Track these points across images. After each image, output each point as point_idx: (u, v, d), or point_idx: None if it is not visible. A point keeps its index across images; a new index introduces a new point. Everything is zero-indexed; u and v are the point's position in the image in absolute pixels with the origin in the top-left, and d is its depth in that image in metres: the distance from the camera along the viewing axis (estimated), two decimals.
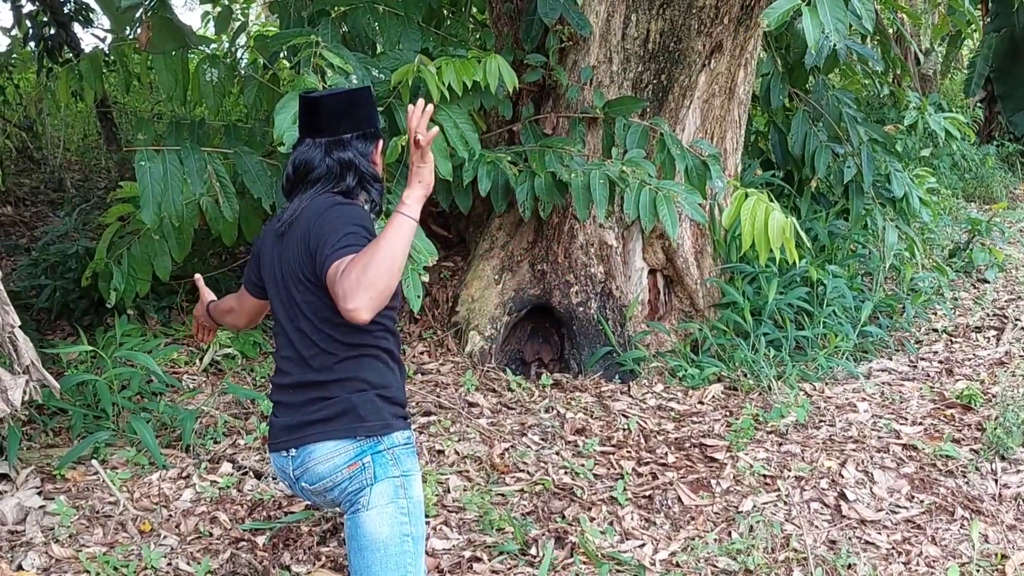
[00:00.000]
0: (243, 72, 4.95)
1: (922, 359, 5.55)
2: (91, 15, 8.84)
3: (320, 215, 2.41)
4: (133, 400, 4.36)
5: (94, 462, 3.94)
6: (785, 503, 3.86)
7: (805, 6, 3.90)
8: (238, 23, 6.99)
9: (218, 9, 5.92)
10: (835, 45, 3.92)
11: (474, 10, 6.38)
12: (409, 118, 2.32)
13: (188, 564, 3.37)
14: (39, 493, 3.73)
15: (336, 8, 4.87)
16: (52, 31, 8.39)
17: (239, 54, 7.82)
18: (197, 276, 3.14)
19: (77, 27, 8.87)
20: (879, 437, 4.42)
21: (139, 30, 4.26)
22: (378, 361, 2.48)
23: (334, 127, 2.55)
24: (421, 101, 2.32)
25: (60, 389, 3.71)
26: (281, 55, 5.22)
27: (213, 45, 7.69)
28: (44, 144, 9.53)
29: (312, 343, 2.45)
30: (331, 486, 2.46)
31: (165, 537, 3.53)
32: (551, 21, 4.93)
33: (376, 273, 2.15)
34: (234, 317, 2.97)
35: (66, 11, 8.55)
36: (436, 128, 2.31)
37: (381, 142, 2.67)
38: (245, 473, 4.02)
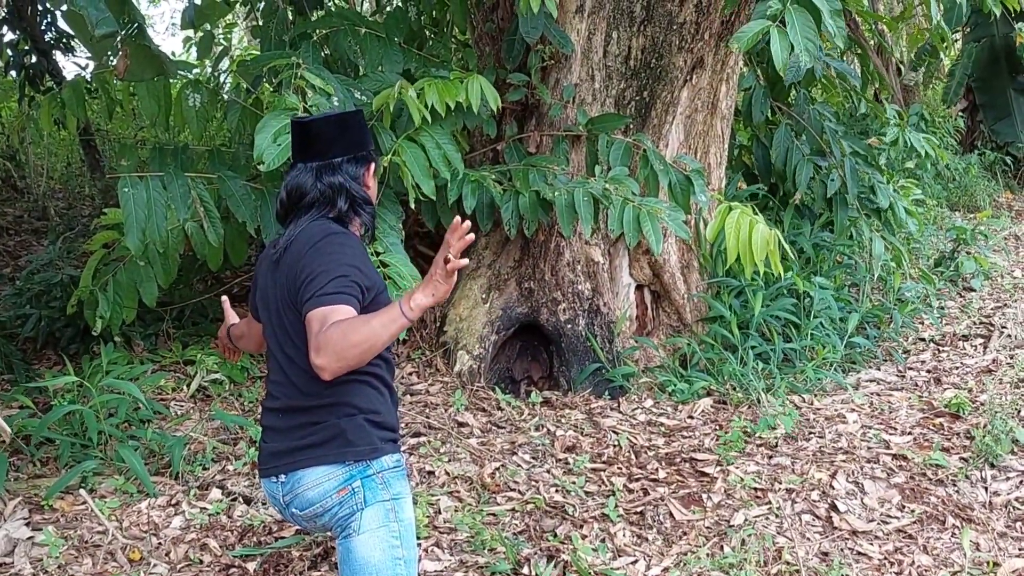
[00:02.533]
0: (226, 97, 4.95)
1: (910, 369, 5.57)
2: (72, 43, 8.83)
3: (314, 245, 2.40)
4: (120, 428, 4.34)
5: (82, 491, 3.91)
6: (776, 516, 3.86)
7: (774, 27, 3.91)
8: (220, 48, 7.00)
9: (200, 34, 5.91)
10: (811, 63, 3.95)
11: (456, 30, 6.40)
12: (450, 234, 2.22)
13: None
14: (27, 524, 3.70)
15: (318, 31, 4.88)
16: (33, 59, 8.37)
17: (222, 79, 7.82)
18: (224, 298, 3.15)
19: (58, 55, 8.87)
20: (869, 447, 4.43)
21: (117, 58, 4.26)
22: (368, 387, 2.48)
23: (325, 151, 2.54)
24: (464, 225, 2.21)
25: (11, 434, 3.73)
26: (264, 79, 5.22)
27: (196, 70, 7.70)
28: (27, 173, 9.49)
29: (300, 369, 2.45)
30: (321, 511, 2.46)
31: (155, 565, 3.51)
32: (533, 40, 4.95)
33: (353, 349, 2.18)
34: (246, 342, 3.01)
35: (47, 39, 8.54)
36: (466, 260, 2.25)
37: (373, 165, 2.67)
38: (235, 499, 3.99)
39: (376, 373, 2.50)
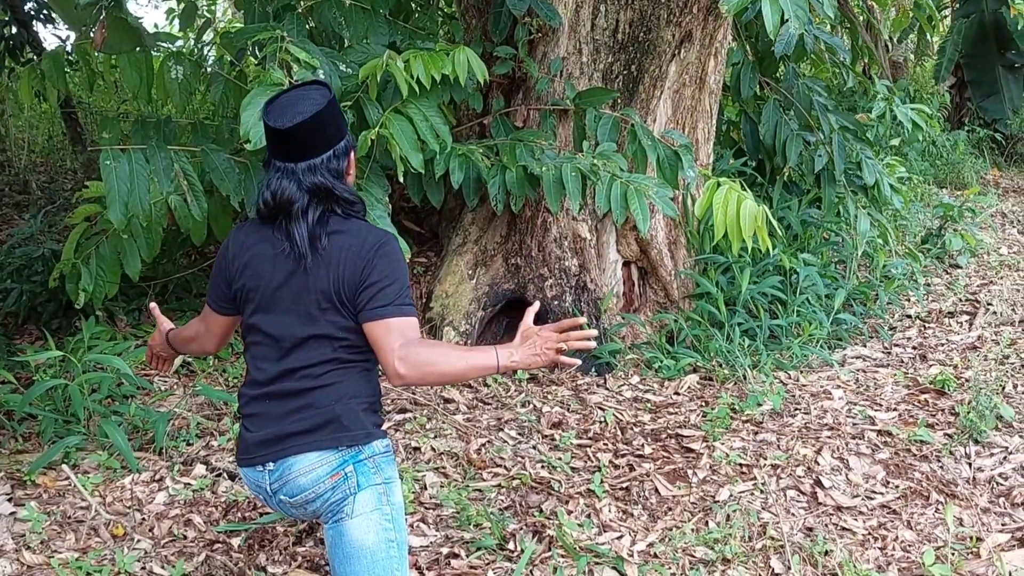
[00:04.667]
0: (209, 69, 4.89)
1: (896, 345, 5.58)
2: (53, 14, 8.72)
3: (380, 248, 2.46)
4: (104, 403, 4.30)
5: (65, 467, 3.89)
6: (762, 491, 3.86)
7: None
8: (203, 20, 6.91)
9: (183, 5, 5.83)
10: (802, 35, 3.90)
11: (442, 3, 6.34)
12: (570, 325, 2.44)
13: (162, 567, 3.33)
14: (9, 499, 3.67)
15: (302, 2, 4.82)
16: (13, 30, 8.26)
17: (205, 51, 7.74)
18: (153, 305, 3.08)
19: (39, 26, 8.75)
20: (854, 424, 4.44)
21: (94, 30, 4.19)
22: (368, 373, 2.50)
23: (306, 153, 2.48)
24: (591, 332, 2.45)
25: None
26: (248, 51, 5.15)
27: (179, 42, 7.61)
28: (8, 146, 9.38)
29: (315, 355, 2.45)
30: (313, 497, 2.44)
31: (138, 541, 3.49)
32: (520, 12, 4.90)
33: (439, 377, 2.47)
34: (201, 342, 2.91)
35: (27, 10, 8.42)
36: (578, 362, 2.49)
37: (352, 151, 2.63)
38: (219, 475, 3.97)
39: (373, 359, 2.49)
